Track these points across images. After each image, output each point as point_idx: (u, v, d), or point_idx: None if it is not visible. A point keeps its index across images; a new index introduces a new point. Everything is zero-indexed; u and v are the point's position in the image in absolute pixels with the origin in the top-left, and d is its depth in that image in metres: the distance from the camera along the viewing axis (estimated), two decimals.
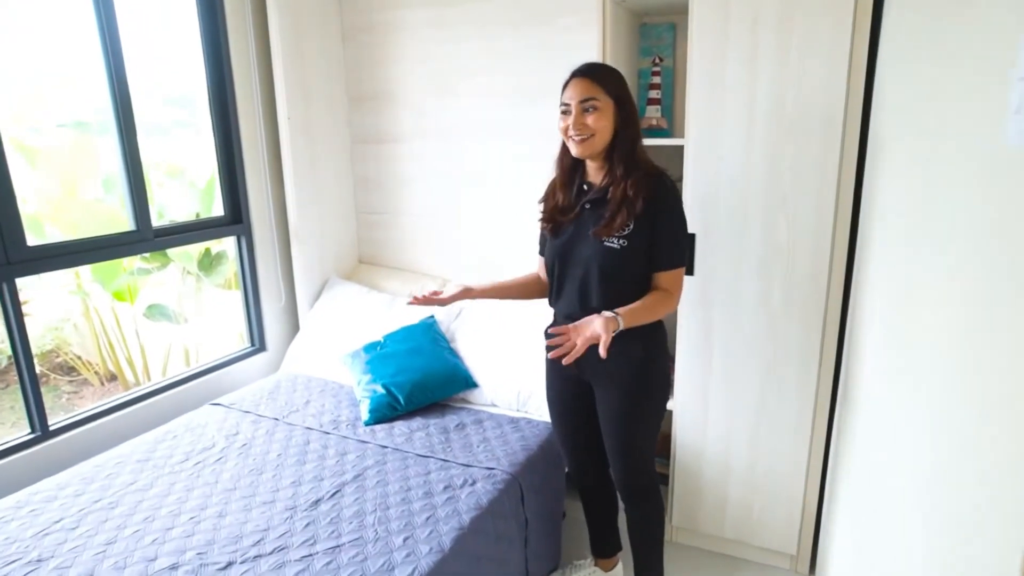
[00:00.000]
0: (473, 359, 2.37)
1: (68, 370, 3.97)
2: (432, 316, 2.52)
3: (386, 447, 2.00)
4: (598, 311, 1.50)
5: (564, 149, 1.68)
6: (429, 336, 2.39)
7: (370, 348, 2.38)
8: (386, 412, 2.18)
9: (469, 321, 2.53)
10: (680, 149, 1.99)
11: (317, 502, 1.72)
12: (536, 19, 2.39)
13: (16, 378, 3.96)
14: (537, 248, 1.90)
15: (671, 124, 2.28)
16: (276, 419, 2.20)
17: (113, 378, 3.92)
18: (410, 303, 1.74)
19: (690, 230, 1.99)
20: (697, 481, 2.21)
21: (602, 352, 1.38)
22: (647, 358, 1.67)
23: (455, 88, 2.65)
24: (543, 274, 1.85)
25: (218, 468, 1.90)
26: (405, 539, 1.56)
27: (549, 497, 2.01)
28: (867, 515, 1.40)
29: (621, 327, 1.47)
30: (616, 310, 1.50)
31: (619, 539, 2.09)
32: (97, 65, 2.12)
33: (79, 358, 3.94)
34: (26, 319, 1.96)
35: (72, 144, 3.47)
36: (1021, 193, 0.73)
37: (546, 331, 1.72)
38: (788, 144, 1.83)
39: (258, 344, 2.79)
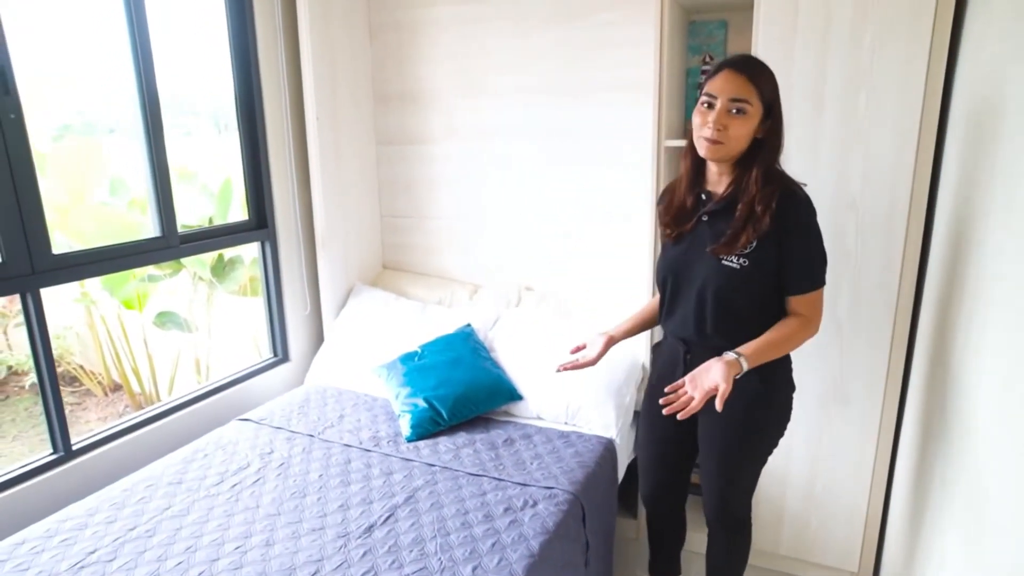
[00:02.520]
0: (515, 369, 2.27)
1: (70, 380, 3.82)
2: (469, 324, 2.42)
3: (434, 465, 1.90)
4: (713, 337, 1.39)
5: (691, 146, 1.47)
6: (469, 346, 2.28)
7: (407, 359, 2.27)
8: (428, 427, 2.08)
9: (507, 328, 2.43)
10: None
11: (371, 528, 1.61)
12: (573, 14, 2.31)
13: (14, 390, 3.79)
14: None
15: None
16: (311, 435, 2.09)
17: (118, 388, 3.78)
18: (559, 371, 1.67)
19: None
20: (754, 496, 2.12)
21: (718, 406, 1.25)
22: (766, 391, 1.50)
23: (484, 87, 2.56)
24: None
25: (257, 491, 1.78)
26: (473, 568, 1.45)
27: (607, 516, 1.91)
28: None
29: (744, 370, 1.33)
30: (740, 349, 1.35)
31: (680, 563, 1.98)
32: (122, 66, 1.99)
33: (81, 368, 3.80)
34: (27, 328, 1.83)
35: (78, 147, 3.33)
36: None
37: (653, 347, 1.65)
38: (858, 144, 1.76)
39: (281, 355, 2.67)
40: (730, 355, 1.33)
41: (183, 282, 3.59)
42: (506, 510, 1.67)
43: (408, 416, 2.09)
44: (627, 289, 2.42)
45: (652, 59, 1.92)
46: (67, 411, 3.87)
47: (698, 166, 1.50)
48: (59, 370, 3.79)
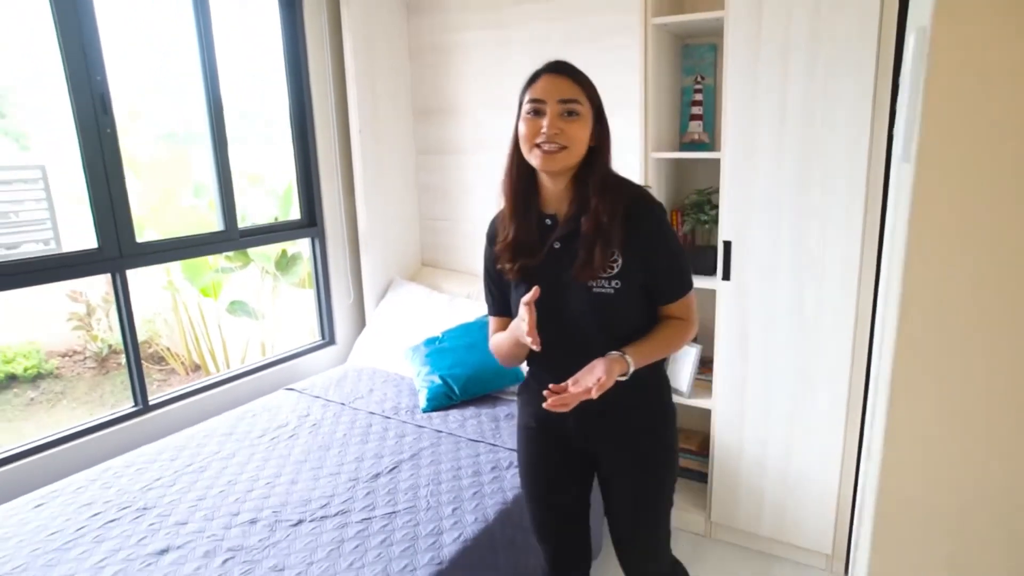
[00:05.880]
0: None
1: (158, 360, 4.36)
2: (487, 315, 2.70)
3: (440, 432, 2.19)
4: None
5: (517, 167, 1.32)
6: (484, 333, 2.57)
7: (430, 342, 2.58)
8: (442, 401, 2.38)
9: None
10: (719, 162, 2.11)
11: (377, 475, 1.92)
12: (583, 38, 2.55)
13: (114, 366, 4.36)
14: (487, 306, 1.51)
15: (712, 139, 2.39)
16: (343, 404, 2.43)
17: (197, 368, 4.29)
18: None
19: (725, 238, 2.11)
20: (735, 479, 2.30)
21: (593, 393, 1.14)
22: (665, 414, 1.42)
23: (509, 102, 2.83)
24: (493, 346, 1.47)
25: (291, 443, 2.13)
26: (454, 509, 1.73)
27: None
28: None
29: (632, 369, 1.23)
30: (624, 349, 1.25)
31: None
32: (194, 83, 2.41)
33: (168, 349, 4.33)
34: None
35: (170, 156, 3.86)
36: None
37: (520, 390, 1.51)
38: (818, 156, 1.93)
39: (328, 338, 3.05)
40: (615, 353, 1.24)
41: (252, 275, 4.06)
42: (492, 468, 1.94)
43: (425, 390, 2.40)
44: None
45: (637, 78, 2.15)
46: (155, 386, 4.41)
47: (528, 188, 1.34)
48: (149, 351, 4.36)
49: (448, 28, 2.90)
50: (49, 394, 3.87)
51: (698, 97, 2.34)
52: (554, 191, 1.32)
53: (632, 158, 2.37)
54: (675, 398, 2.36)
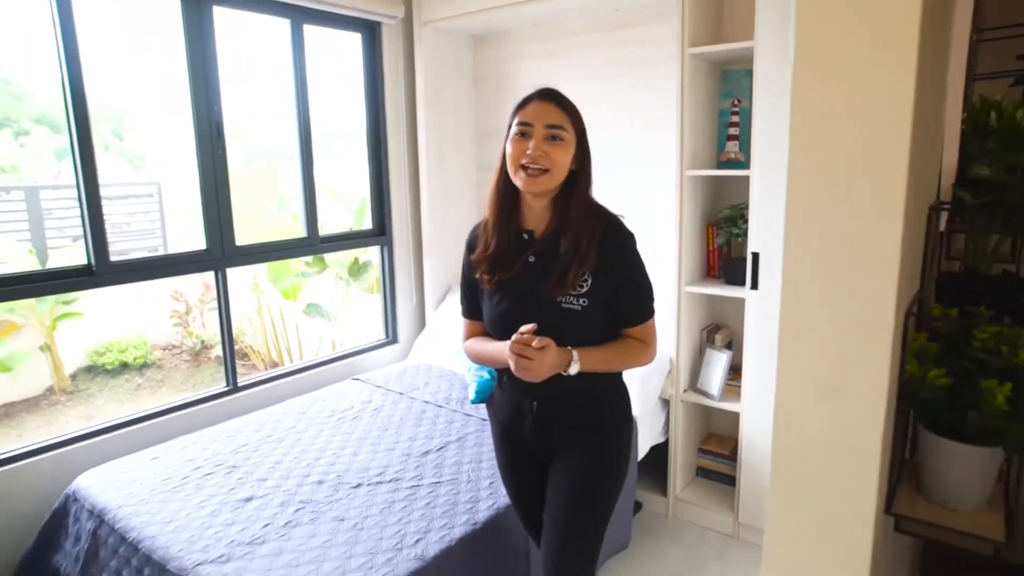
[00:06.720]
0: None
1: (242, 356, 4.83)
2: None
3: (485, 420, 2.43)
4: (566, 381, 1.33)
5: (503, 183, 1.40)
6: None
7: None
8: (489, 393, 2.61)
9: None
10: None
11: (427, 452, 2.17)
12: (629, 67, 2.77)
13: (205, 360, 4.84)
14: (461, 308, 1.59)
15: (747, 158, 2.55)
16: (401, 393, 2.71)
17: (275, 365, 4.73)
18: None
19: (753, 250, 2.27)
20: (763, 481, 2.42)
21: (513, 367, 1.27)
22: (616, 421, 1.47)
23: None
24: (471, 344, 1.56)
25: (354, 423, 2.43)
26: (490, 483, 1.96)
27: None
28: None
29: (574, 370, 1.31)
30: (577, 349, 1.32)
31: None
32: (286, 108, 2.79)
33: (250, 347, 4.79)
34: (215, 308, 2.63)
35: (259, 171, 4.33)
36: None
37: (488, 400, 1.63)
38: None
39: (391, 337, 3.36)
40: (565, 348, 1.32)
41: (327, 280, 4.46)
42: None
43: (474, 383, 2.65)
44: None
45: (675, 103, 2.35)
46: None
47: (511, 204, 1.42)
48: (236, 348, 4.83)
49: (509, 58, 3.19)
50: (152, 381, 4.38)
51: (735, 119, 2.51)
52: (535, 209, 1.40)
53: (668, 175, 2.57)
54: (706, 401, 2.54)
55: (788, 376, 0.98)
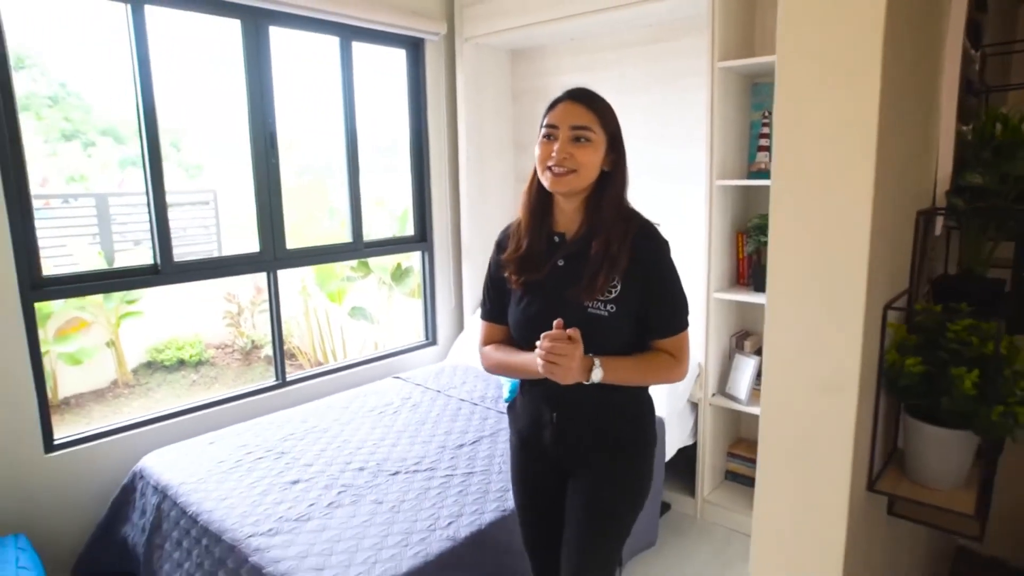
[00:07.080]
0: None
1: (289, 356, 5.05)
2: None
3: None
4: (589, 391, 1.28)
5: (535, 185, 1.39)
6: None
7: None
8: None
9: None
10: None
11: (460, 446, 2.29)
12: (662, 80, 2.86)
13: (255, 359, 5.07)
14: (481, 310, 1.56)
15: None
16: (438, 391, 2.84)
17: (319, 364, 4.94)
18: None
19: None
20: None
21: (541, 364, 1.23)
22: (637, 440, 1.41)
23: None
24: (491, 351, 1.50)
25: (394, 417, 2.56)
26: None
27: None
28: None
29: (596, 377, 1.25)
30: (602, 358, 1.27)
31: None
32: (335, 123, 2.97)
33: (297, 347, 5.01)
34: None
35: (311, 183, 4.56)
36: None
37: (509, 406, 1.57)
38: None
39: (431, 338, 3.50)
40: (587, 355, 1.27)
41: (371, 284, 4.65)
42: None
43: (508, 384, 2.76)
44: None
45: (705, 114, 2.43)
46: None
47: (543, 206, 1.40)
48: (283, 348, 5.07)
49: (545, 72, 3.31)
50: (206, 378, 4.64)
51: (765, 130, 2.57)
52: (566, 211, 1.38)
53: (698, 185, 2.64)
54: (734, 406, 2.58)
55: (773, 364, 1.06)
